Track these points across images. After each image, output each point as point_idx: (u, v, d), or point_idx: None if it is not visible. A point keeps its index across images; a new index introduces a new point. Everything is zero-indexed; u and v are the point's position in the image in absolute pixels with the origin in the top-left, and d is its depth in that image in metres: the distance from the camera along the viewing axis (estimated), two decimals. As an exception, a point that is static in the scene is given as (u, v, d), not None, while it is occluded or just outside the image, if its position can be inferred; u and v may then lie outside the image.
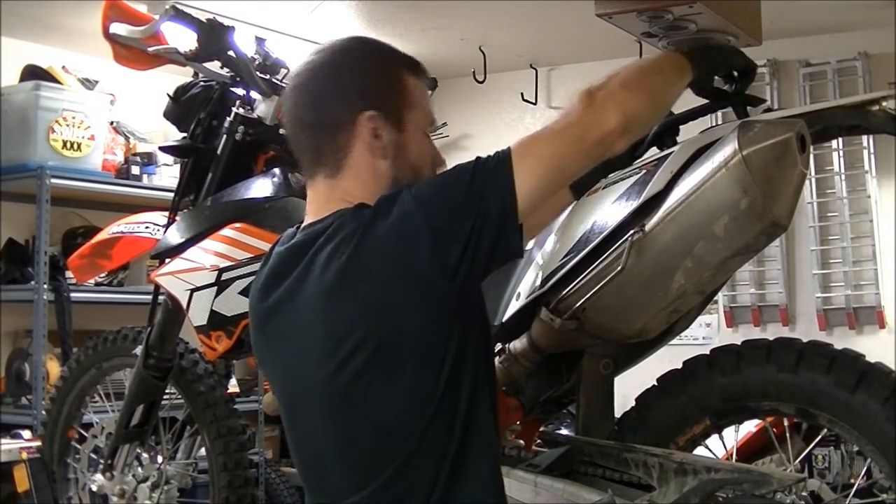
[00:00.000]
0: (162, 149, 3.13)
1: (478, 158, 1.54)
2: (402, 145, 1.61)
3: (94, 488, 2.79)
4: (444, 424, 1.51)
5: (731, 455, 2.14)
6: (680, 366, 1.93)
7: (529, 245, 1.98)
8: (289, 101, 1.67)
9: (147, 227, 2.70)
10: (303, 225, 1.64)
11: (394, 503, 1.51)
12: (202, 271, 2.34)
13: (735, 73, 1.85)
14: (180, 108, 2.68)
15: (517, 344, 1.92)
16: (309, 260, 1.54)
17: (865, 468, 2.35)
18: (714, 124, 1.89)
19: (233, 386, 4.35)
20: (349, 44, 1.67)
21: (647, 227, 1.69)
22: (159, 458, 2.80)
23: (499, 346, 1.96)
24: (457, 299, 1.51)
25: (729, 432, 1.98)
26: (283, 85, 2.54)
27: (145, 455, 2.79)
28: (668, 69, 1.71)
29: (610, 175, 1.83)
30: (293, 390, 1.62)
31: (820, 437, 2.00)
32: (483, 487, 1.54)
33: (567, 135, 1.55)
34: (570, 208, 1.92)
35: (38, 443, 3.32)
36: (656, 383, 1.95)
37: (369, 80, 1.61)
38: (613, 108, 1.55)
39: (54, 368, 4.22)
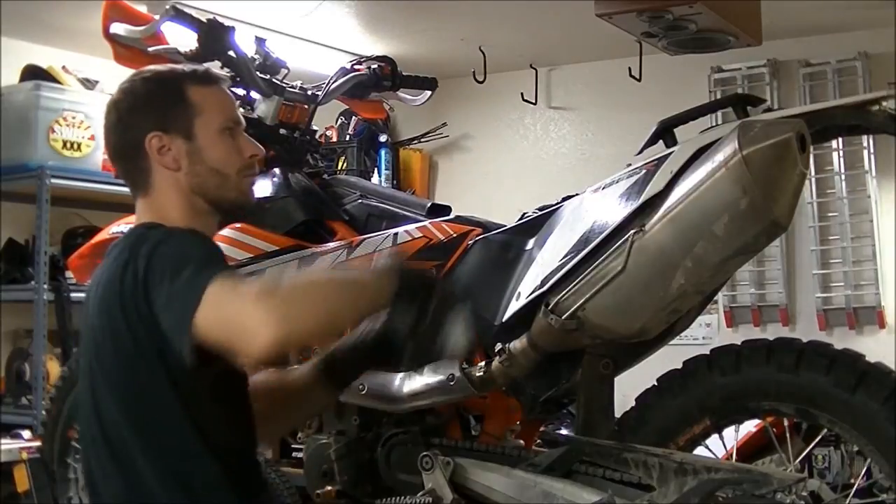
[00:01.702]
0: (162, 149, 3.12)
1: (196, 262, 1.56)
2: (196, 151, 1.73)
3: (94, 488, 2.79)
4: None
5: (731, 455, 2.14)
6: (680, 366, 1.93)
7: (529, 245, 1.99)
8: (104, 139, 1.83)
9: (147, 227, 2.70)
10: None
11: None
12: (202, 271, 2.33)
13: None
14: (180, 108, 2.68)
15: (517, 344, 1.92)
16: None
17: (865, 468, 2.34)
18: (714, 124, 1.89)
19: (233, 386, 4.35)
20: (134, 77, 1.80)
21: (647, 227, 1.69)
22: (159, 458, 2.79)
23: (499, 346, 1.96)
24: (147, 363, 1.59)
25: (729, 432, 1.98)
26: (283, 85, 2.54)
27: (145, 455, 2.79)
28: (362, 293, 1.62)
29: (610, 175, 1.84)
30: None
31: (820, 437, 2.00)
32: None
33: (232, 319, 1.50)
34: (570, 208, 1.93)
35: (38, 443, 3.32)
36: (656, 383, 1.95)
37: (148, 105, 1.74)
38: (275, 322, 1.47)
39: (54, 368, 4.21)
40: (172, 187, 1.73)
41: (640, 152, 1.86)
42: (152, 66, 1.86)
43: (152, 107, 1.74)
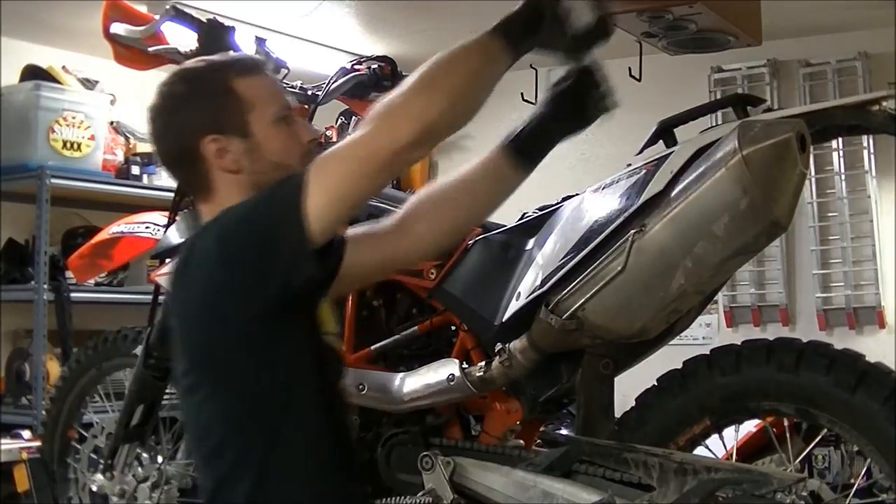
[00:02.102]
0: (162, 149, 3.12)
1: (277, 183, 1.56)
2: (255, 148, 1.65)
3: (94, 488, 2.79)
4: (252, 446, 1.58)
5: (731, 455, 2.14)
6: (680, 366, 1.93)
7: (529, 245, 1.98)
8: (152, 148, 1.76)
9: (147, 227, 2.71)
10: None
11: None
12: (202, 271, 2.33)
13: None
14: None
15: (517, 344, 1.92)
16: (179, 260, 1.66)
17: (865, 468, 2.34)
18: (714, 124, 1.89)
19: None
20: (174, 79, 1.71)
21: (647, 227, 1.69)
22: (159, 458, 2.80)
23: (499, 346, 1.96)
24: (258, 324, 1.54)
25: (729, 432, 1.98)
26: (284, 85, 2.54)
27: (145, 455, 2.79)
28: (475, 58, 1.58)
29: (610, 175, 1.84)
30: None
31: (820, 437, 2.00)
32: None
33: (360, 153, 1.50)
34: (570, 208, 1.93)
35: (38, 443, 3.32)
36: (656, 383, 1.95)
37: (198, 106, 1.66)
38: (407, 119, 1.48)
39: (54, 368, 4.22)
40: (235, 189, 1.64)
41: (640, 152, 1.86)
42: (190, 64, 1.75)
43: (201, 108, 1.65)
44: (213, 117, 1.64)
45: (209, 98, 1.66)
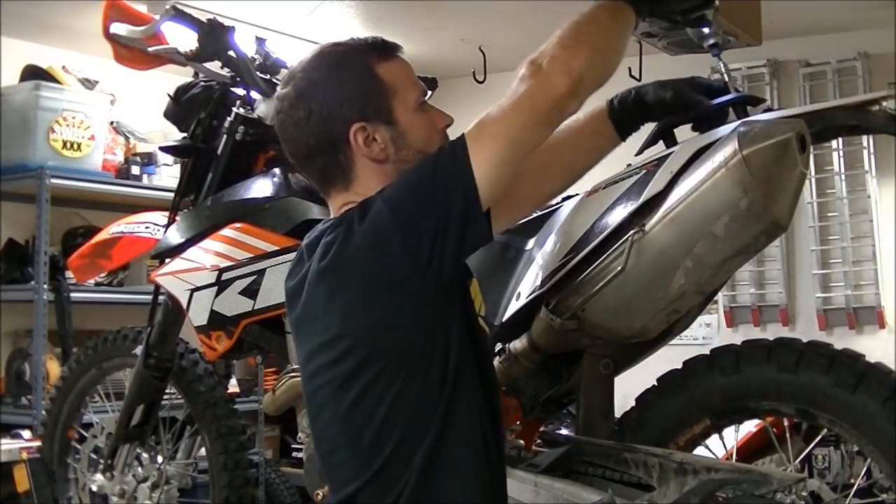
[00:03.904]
0: (162, 149, 3.13)
1: (440, 149, 1.56)
2: (400, 136, 1.61)
3: (94, 488, 2.79)
4: (423, 423, 1.53)
5: (731, 455, 2.14)
6: (680, 366, 1.93)
7: (529, 245, 1.98)
8: (282, 136, 1.68)
9: (147, 227, 2.70)
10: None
11: (383, 490, 1.53)
12: (202, 271, 2.34)
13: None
14: (180, 108, 2.68)
15: (517, 344, 1.92)
16: (318, 252, 1.57)
17: (865, 468, 2.34)
18: (714, 124, 1.89)
19: (233, 386, 4.36)
20: (313, 63, 1.66)
21: (648, 228, 1.69)
22: (159, 458, 2.80)
23: (499, 346, 1.96)
24: (434, 297, 1.52)
25: (729, 432, 1.98)
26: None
27: (145, 455, 2.79)
28: (606, 17, 1.63)
29: (610, 175, 1.84)
30: (306, 377, 1.64)
31: (820, 437, 2.00)
32: (459, 486, 1.54)
33: (518, 109, 1.53)
34: (570, 208, 1.93)
35: (38, 443, 3.32)
36: (656, 383, 1.95)
37: (344, 93, 1.61)
38: (558, 71, 1.52)
39: (54, 368, 4.22)
40: (377, 178, 1.60)
41: (640, 152, 1.86)
42: (328, 48, 1.67)
43: (349, 94, 1.60)
44: (361, 104, 1.60)
45: (355, 83, 1.61)
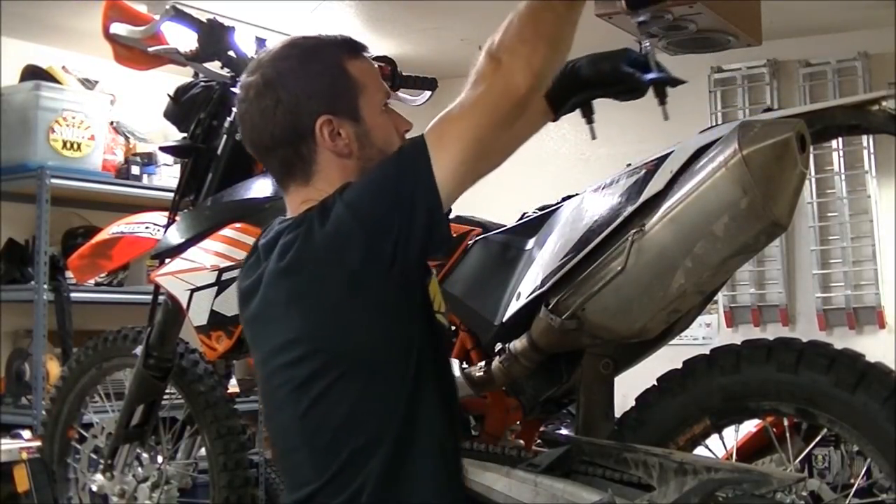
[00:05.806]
0: (162, 149, 3.13)
1: (400, 150, 1.56)
2: (365, 134, 1.62)
3: (94, 488, 2.79)
4: (383, 425, 1.53)
5: (731, 455, 2.14)
6: (680, 366, 1.93)
7: (529, 245, 1.99)
8: (244, 124, 1.67)
9: (147, 227, 2.70)
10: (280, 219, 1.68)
11: (340, 492, 1.53)
12: (202, 271, 2.34)
13: None
14: (180, 108, 2.68)
15: (517, 344, 1.92)
16: (276, 252, 1.57)
17: (865, 468, 2.34)
18: (714, 124, 1.89)
19: (233, 386, 4.35)
20: (282, 54, 1.65)
21: (647, 227, 1.69)
22: (159, 458, 2.80)
23: (499, 346, 1.96)
24: (396, 299, 1.52)
25: (729, 432, 1.98)
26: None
27: (145, 455, 2.79)
28: (560, 4, 1.57)
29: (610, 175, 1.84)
30: (263, 377, 1.65)
31: (820, 437, 2.00)
32: (418, 490, 1.55)
33: (480, 108, 1.51)
34: (570, 208, 1.93)
35: (38, 443, 3.32)
36: (656, 383, 1.95)
37: (314, 85, 1.61)
38: (520, 69, 1.50)
39: (54, 368, 4.22)
40: (338, 173, 1.60)
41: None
42: (296, 39, 1.67)
43: (318, 86, 1.59)
44: (330, 97, 1.60)
45: (325, 77, 1.61)
